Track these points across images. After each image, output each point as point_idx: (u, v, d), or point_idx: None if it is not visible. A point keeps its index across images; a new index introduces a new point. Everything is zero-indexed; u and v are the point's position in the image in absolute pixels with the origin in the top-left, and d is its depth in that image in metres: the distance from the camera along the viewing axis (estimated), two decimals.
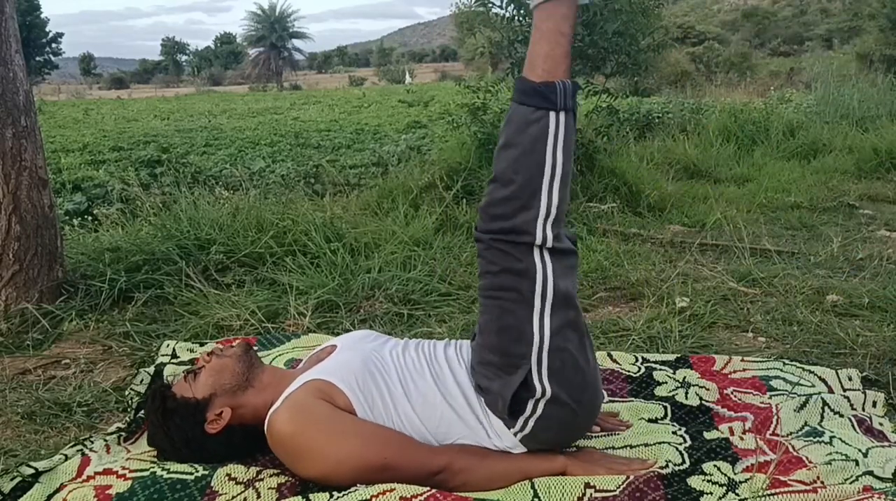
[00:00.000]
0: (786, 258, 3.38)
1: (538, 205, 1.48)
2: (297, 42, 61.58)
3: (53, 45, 44.34)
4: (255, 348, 1.97)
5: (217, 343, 2.41)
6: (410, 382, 1.62)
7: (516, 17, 4.53)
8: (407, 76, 46.73)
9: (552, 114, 1.48)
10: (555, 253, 1.51)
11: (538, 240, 1.49)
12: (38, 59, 42.16)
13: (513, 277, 1.50)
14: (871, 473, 1.50)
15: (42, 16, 43.27)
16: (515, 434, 1.56)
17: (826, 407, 1.81)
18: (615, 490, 1.50)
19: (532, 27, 1.56)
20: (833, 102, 8.56)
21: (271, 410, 1.56)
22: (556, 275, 1.51)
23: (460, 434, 1.57)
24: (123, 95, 39.02)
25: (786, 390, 1.97)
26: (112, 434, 1.81)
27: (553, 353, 1.51)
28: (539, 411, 1.53)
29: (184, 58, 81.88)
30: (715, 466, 1.59)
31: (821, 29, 46.32)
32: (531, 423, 1.55)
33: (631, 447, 1.70)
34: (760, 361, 2.17)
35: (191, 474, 1.55)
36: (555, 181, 1.49)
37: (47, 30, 43.59)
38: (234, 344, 1.79)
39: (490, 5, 4.51)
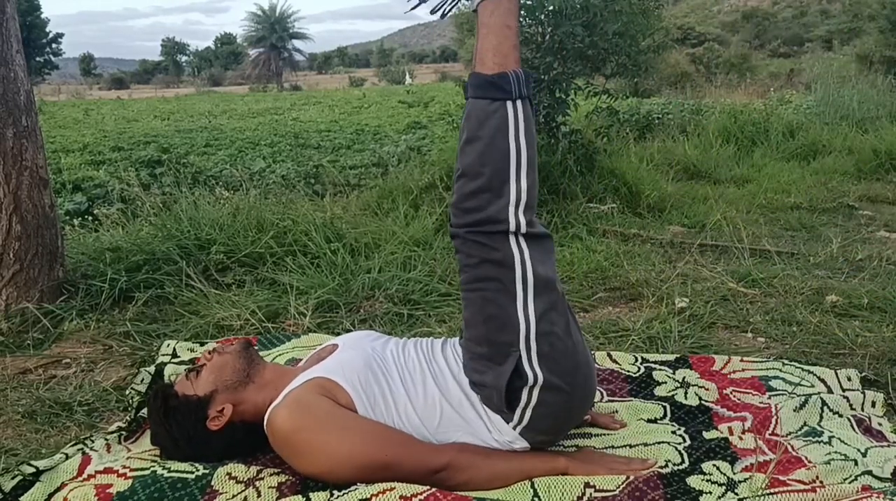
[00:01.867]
0: (785, 259, 3.39)
1: (508, 192, 1.51)
2: (297, 43, 61.65)
3: (53, 46, 44.34)
4: (256, 348, 1.98)
5: (217, 342, 2.41)
6: (411, 381, 1.62)
7: None
8: (407, 77, 46.75)
9: (509, 104, 1.51)
10: (530, 239, 1.53)
11: (512, 227, 1.51)
12: (38, 59, 42.13)
13: (492, 267, 1.52)
14: (869, 473, 1.51)
15: (42, 16, 43.24)
16: (514, 428, 1.57)
17: (825, 407, 1.82)
18: (615, 490, 1.50)
19: (477, 24, 1.59)
20: (833, 103, 8.57)
21: (272, 407, 1.56)
22: (535, 261, 1.52)
23: (461, 433, 1.58)
24: (123, 96, 39.02)
25: (785, 390, 1.97)
26: (113, 433, 1.81)
27: (541, 338, 1.52)
28: (534, 399, 1.54)
29: (184, 58, 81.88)
30: (714, 466, 1.59)
31: (821, 30, 46.29)
32: (528, 413, 1.55)
33: (630, 446, 1.70)
34: (760, 361, 2.17)
35: (191, 473, 1.56)
36: (521, 168, 1.52)
37: (47, 30, 43.57)
38: (233, 342, 1.79)
39: None
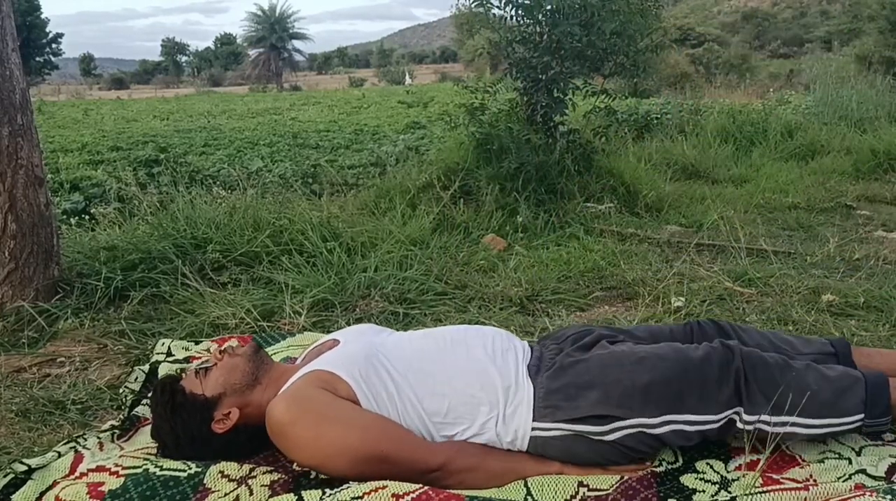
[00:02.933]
0: (782, 258, 3.38)
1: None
2: (296, 43, 61.62)
3: (53, 46, 44.33)
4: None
5: (213, 341, 2.41)
6: (417, 368, 1.61)
7: (514, 18, 4.54)
8: (407, 77, 46.73)
9: None
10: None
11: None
12: (38, 59, 42.14)
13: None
14: (864, 472, 1.51)
15: (42, 16, 43.25)
16: (532, 429, 1.56)
17: None
18: (608, 490, 1.50)
19: None
20: (832, 104, 8.57)
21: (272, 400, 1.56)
22: None
23: (466, 424, 1.56)
24: (123, 96, 38.99)
25: None
26: (106, 431, 1.81)
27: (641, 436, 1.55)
28: (569, 431, 1.55)
29: (184, 58, 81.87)
30: (708, 464, 1.59)
31: (820, 31, 46.34)
32: (554, 434, 1.56)
33: None
34: None
35: (184, 471, 1.55)
36: None
37: (47, 30, 43.58)
38: (230, 341, 1.79)
39: (489, 5, 4.52)
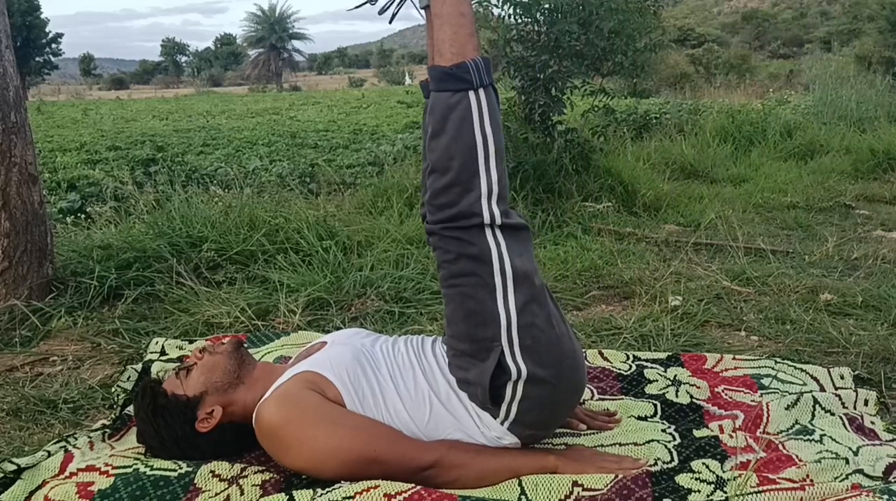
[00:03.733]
0: (780, 257, 3.37)
1: (479, 184, 1.48)
2: (296, 43, 61.67)
3: (53, 46, 44.26)
4: (245, 345, 1.96)
5: (207, 340, 2.39)
6: (400, 377, 1.60)
7: (512, 17, 4.52)
8: (407, 77, 46.72)
9: (471, 94, 1.48)
10: (506, 230, 1.51)
11: (486, 220, 1.49)
12: (37, 59, 42.09)
13: (469, 261, 1.49)
14: (861, 471, 1.49)
15: (42, 16, 43.19)
16: (502, 423, 1.55)
17: (817, 406, 1.80)
18: (603, 489, 1.48)
19: (431, 17, 1.56)
20: (831, 104, 8.56)
21: (260, 402, 1.55)
22: (512, 253, 1.50)
23: (451, 429, 1.56)
24: (123, 96, 39.01)
25: (777, 388, 1.96)
26: (96, 430, 1.79)
27: (522, 330, 1.50)
28: (519, 393, 1.52)
29: (184, 59, 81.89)
30: (703, 464, 1.57)
31: (820, 31, 46.35)
32: (514, 407, 1.53)
33: (620, 444, 1.68)
34: (752, 359, 2.15)
35: (174, 471, 1.54)
36: (490, 158, 1.49)
37: (47, 30, 43.52)
38: (224, 340, 1.77)
39: (487, 4, 4.51)
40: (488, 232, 1.49)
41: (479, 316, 1.50)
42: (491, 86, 1.51)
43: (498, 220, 1.49)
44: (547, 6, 4.39)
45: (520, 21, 4.56)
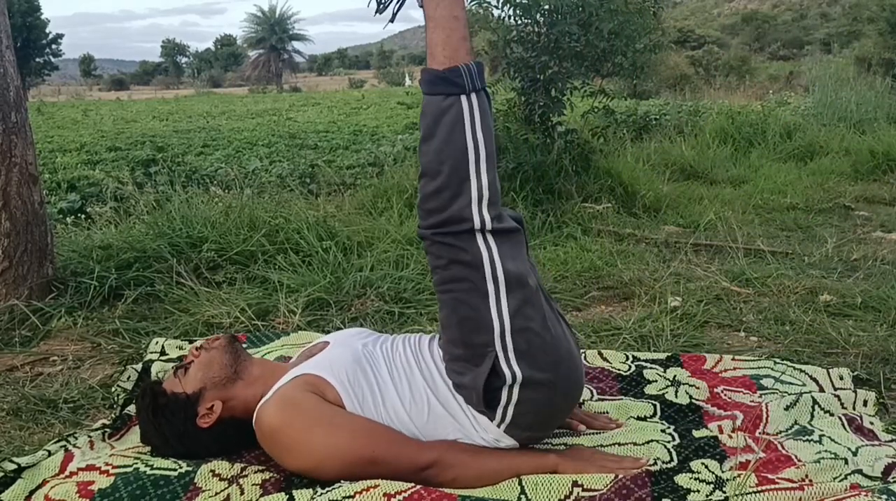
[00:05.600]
0: (780, 258, 3.37)
1: (469, 190, 1.47)
2: (296, 44, 61.65)
3: (53, 47, 44.24)
4: (245, 345, 1.97)
5: (206, 340, 2.39)
6: (400, 379, 1.61)
7: (511, 18, 4.53)
8: (407, 78, 46.71)
9: (463, 98, 1.48)
10: (498, 235, 1.50)
11: (477, 225, 1.47)
12: (38, 60, 42.07)
13: (461, 267, 1.48)
14: (860, 472, 1.49)
15: (42, 17, 43.18)
16: (499, 426, 1.55)
17: (816, 406, 1.80)
18: (603, 489, 1.48)
19: (424, 18, 1.55)
20: (831, 105, 8.56)
21: (260, 403, 1.55)
22: (504, 257, 1.49)
23: (450, 429, 1.56)
24: (123, 97, 39.01)
25: (776, 389, 1.96)
26: (97, 430, 1.80)
27: (516, 335, 1.49)
28: (515, 397, 1.51)
29: (184, 59, 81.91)
30: (703, 464, 1.58)
31: (820, 33, 46.39)
32: (510, 411, 1.53)
33: (619, 445, 1.68)
34: (751, 360, 2.16)
35: (174, 470, 1.54)
36: (480, 163, 1.48)
37: (47, 31, 43.51)
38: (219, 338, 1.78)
39: (486, 5, 4.51)
40: (479, 237, 1.48)
41: (472, 321, 1.50)
42: (483, 91, 1.50)
43: (489, 226, 1.48)
44: (547, 7, 4.39)
45: (520, 22, 4.57)
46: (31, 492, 1.53)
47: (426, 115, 1.49)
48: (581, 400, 1.85)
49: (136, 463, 1.58)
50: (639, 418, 1.83)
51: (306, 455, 1.48)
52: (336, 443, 1.47)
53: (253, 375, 1.67)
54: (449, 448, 1.53)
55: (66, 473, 1.58)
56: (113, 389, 2.09)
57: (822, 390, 1.97)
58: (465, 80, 1.48)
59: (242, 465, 1.59)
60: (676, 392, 1.96)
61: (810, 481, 1.47)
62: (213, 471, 1.55)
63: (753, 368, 2.09)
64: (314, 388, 1.54)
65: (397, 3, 1.73)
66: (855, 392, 1.89)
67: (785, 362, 2.12)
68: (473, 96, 1.48)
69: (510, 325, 1.49)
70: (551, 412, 1.60)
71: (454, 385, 1.57)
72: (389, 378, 1.60)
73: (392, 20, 1.77)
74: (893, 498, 1.33)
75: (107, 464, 1.59)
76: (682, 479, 1.52)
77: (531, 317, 1.51)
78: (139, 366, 2.19)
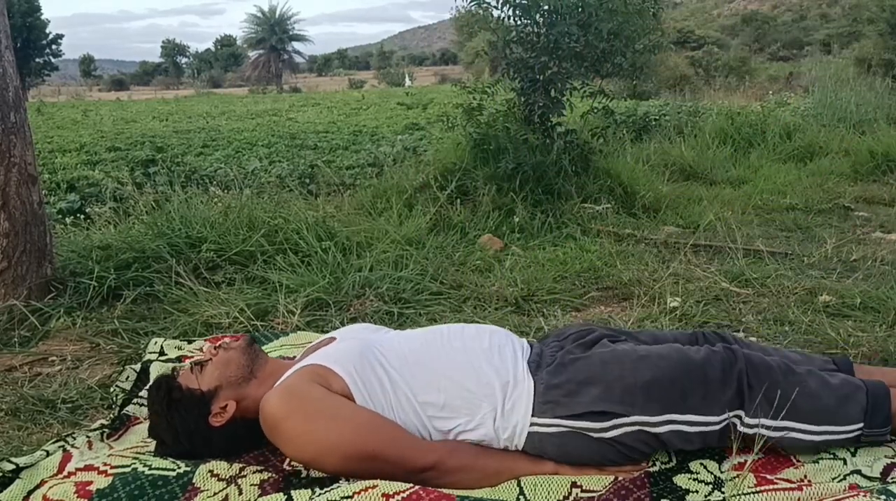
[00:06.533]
0: (779, 259, 3.37)
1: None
2: (296, 45, 61.65)
3: (53, 47, 44.25)
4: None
5: (206, 340, 2.39)
6: (413, 362, 1.60)
7: (511, 18, 4.53)
8: (407, 79, 46.73)
9: None
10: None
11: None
12: (38, 60, 42.08)
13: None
14: (858, 472, 1.49)
15: (42, 17, 43.18)
16: (531, 425, 1.54)
17: None
18: (601, 490, 1.49)
19: None
20: (830, 106, 8.56)
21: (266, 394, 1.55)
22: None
23: (463, 421, 1.55)
24: (123, 97, 38.99)
25: None
26: (95, 430, 1.80)
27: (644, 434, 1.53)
28: (568, 428, 1.53)
29: (184, 60, 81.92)
30: (701, 464, 1.57)
31: (820, 34, 46.39)
32: (552, 430, 1.54)
33: None
34: None
35: (172, 470, 1.54)
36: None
37: (47, 31, 43.51)
38: (239, 338, 1.78)
39: (486, 5, 4.51)
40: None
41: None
42: None
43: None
44: (546, 8, 4.39)
45: (519, 22, 4.57)
46: (30, 492, 1.53)
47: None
48: None
49: (135, 464, 1.57)
50: None
51: (306, 446, 1.49)
52: (336, 436, 1.47)
53: (266, 373, 1.67)
54: (452, 449, 1.53)
55: (65, 473, 1.58)
56: (111, 389, 2.09)
57: None
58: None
59: (241, 465, 1.58)
60: None
61: (809, 481, 1.47)
62: (211, 471, 1.54)
63: None
64: (319, 379, 1.54)
65: None
66: None
67: None
68: None
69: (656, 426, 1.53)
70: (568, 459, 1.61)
71: (545, 385, 1.57)
72: (399, 368, 1.59)
73: None
74: (892, 499, 1.33)
75: (105, 464, 1.58)
76: (680, 479, 1.52)
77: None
78: (138, 367, 2.18)
